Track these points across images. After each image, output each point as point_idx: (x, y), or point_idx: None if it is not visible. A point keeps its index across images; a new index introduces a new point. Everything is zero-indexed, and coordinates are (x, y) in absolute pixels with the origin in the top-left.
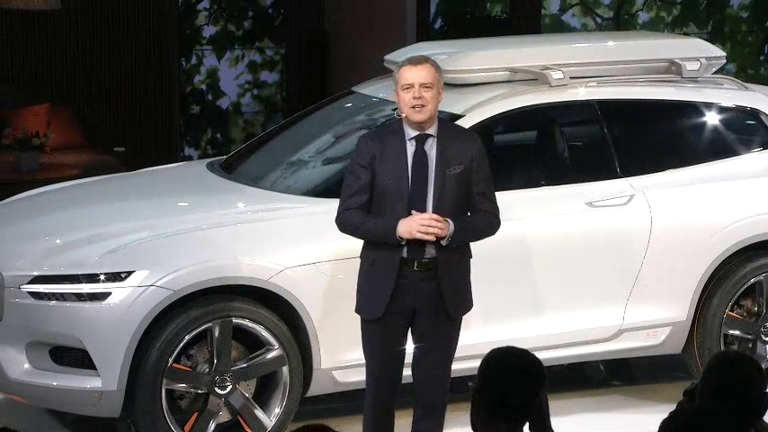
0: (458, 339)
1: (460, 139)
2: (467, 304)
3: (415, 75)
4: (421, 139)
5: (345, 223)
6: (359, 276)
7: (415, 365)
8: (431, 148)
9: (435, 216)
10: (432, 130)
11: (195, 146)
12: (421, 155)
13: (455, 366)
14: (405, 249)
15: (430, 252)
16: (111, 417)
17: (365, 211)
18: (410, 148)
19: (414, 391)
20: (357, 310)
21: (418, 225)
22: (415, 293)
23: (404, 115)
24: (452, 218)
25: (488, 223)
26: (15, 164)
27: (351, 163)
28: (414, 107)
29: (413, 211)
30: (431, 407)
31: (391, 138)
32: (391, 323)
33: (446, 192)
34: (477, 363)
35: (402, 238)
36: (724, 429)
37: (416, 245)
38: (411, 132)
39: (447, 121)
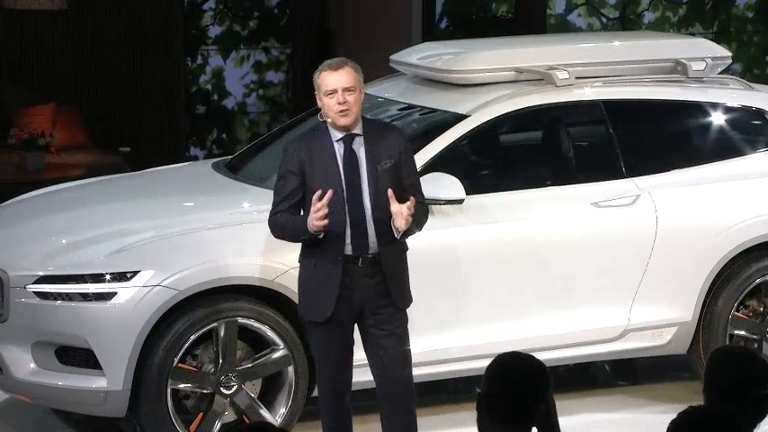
0: (408, 331)
1: (386, 135)
2: (408, 296)
3: (336, 80)
4: (348, 140)
5: (275, 227)
6: (300, 279)
7: (371, 360)
8: (359, 148)
9: (324, 202)
10: (357, 130)
11: (201, 146)
12: (350, 155)
13: (464, 366)
14: (349, 247)
15: (373, 247)
16: (116, 417)
17: (295, 214)
18: (339, 149)
19: (376, 390)
20: (301, 314)
21: (312, 214)
22: (361, 290)
23: (329, 120)
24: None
25: (424, 211)
26: (21, 164)
27: (280, 168)
28: (340, 112)
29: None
30: (399, 401)
31: (319, 141)
32: (340, 322)
33: (381, 187)
34: (485, 362)
35: (316, 232)
36: (731, 430)
37: (360, 241)
38: (337, 134)
39: (370, 119)
